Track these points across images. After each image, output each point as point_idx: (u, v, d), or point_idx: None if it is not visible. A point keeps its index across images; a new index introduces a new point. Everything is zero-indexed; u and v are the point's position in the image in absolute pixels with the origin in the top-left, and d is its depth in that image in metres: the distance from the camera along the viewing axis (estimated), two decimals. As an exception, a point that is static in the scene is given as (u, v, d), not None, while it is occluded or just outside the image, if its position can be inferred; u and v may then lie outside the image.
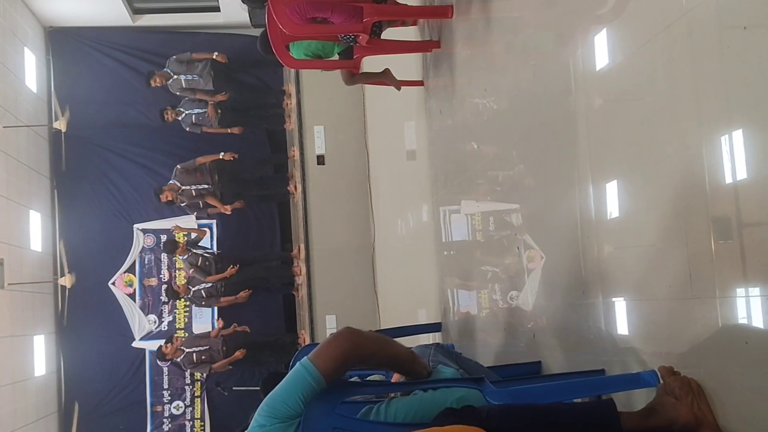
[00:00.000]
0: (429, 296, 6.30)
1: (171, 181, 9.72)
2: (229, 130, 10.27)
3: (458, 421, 1.83)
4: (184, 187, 9.72)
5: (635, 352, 2.70)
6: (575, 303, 3.26)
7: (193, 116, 10.14)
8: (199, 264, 9.76)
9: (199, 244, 10.17)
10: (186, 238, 10.10)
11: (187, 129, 10.24)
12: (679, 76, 2.37)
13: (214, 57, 10.02)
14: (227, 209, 10.00)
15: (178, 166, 9.80)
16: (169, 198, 9.65)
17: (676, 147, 2.41)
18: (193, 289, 9.79)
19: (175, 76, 10.02)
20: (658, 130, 2.51)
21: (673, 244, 2.43)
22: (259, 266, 10.29)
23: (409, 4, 5.60)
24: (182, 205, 9.99)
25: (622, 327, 2.85)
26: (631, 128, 2.70)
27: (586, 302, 3.12)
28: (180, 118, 10.13)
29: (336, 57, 5.69)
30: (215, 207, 10.02)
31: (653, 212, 2.57)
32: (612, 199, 2.87)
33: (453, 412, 1.97)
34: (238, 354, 9.56)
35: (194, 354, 9.54)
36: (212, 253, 10.11)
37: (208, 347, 9.58)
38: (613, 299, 2.90)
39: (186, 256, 9.81)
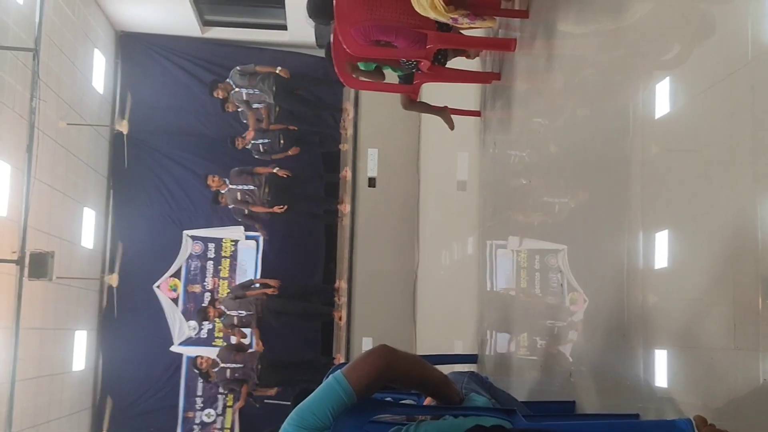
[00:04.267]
0: (467, 328, 6.27)
1: (224, 178, 10.00)
2: (289, 152, 10.44)
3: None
4: (230, 186, 9.91)
5: (672, 399, 2.65)
6: (615, 347, 3.22)
7: (260, 145, 10.36)
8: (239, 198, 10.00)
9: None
10: None
11: (256, 156, 10.47)
12: (738, 129, 2.34)
13: (278, 71, 10.17)
14: (276, 209, 10.12)
15: (236, 168, 10.00)
16: (214, 183, 9.92)
17: (729, 201, 2.38)
18: (226, 313, 9.87)
19: (237, 89, 10.21)
20: (713, 183, 2.48)
21: (719, 299, 2.40)
22: (302, 299, 10.34)
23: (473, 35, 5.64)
24: (230, 207, 10.15)
25: (661, 374, 2.81)
26: (686, 178, 2.68)
27: (626, 347, 3.08)
28: (240, 110, 10.34)
29: (397, 80, 5.76)
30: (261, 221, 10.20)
31: (702, 265, 2.54)
32: (661, 249, 2.84)
33: (483, 429, 1.95)
34: (271, 392, 9.61)
35: (228, 370, 9.60)
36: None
37: (242, 365, 9.62)
38: (654, 345, 2.86)
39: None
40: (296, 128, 10.56)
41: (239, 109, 10.41)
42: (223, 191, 10.00)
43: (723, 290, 2.38)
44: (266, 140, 10.40)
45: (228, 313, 9.78)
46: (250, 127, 10.33)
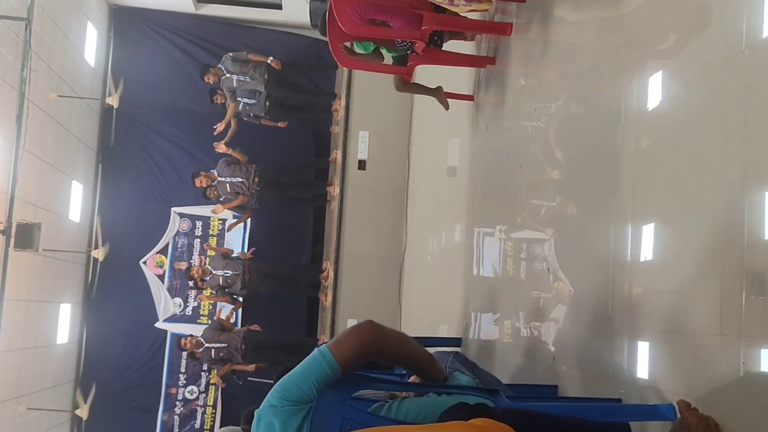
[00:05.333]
0: (452, 313, 6.28)
1: (212, 170, 9.90)
2: (279, 124, 10.40)
3: (471, 416, 1.83)
4: (219, 179, 9.86)
5: (655, 385, 2.67)
6: (599, 334, 3.24)
7: (242, 104, 10.26)
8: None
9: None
10: None
11: (245, 119, 10.41)
12: (730, 123, 2.35)
13: (269, 61, 10.09)
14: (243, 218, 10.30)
15: (223, 159, 9.96)
16: (203, 183, 9.81)
17: (718, 195, 2.38)
18: (213, 273, 9.92)
19: (228, 75, 10.11)
20: (703, 176, 2.49)
21: (704, 293, 2.41)
22: (289, 277, 10.37)
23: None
24: (221, 198, 10.10)
25: (645, 361, 2.82)
26: (677, 170, 2.68)
27: (611, 334, 3.10)
28: (238, 109, 10.29)
29: (390, 61, 5.74)
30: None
31: (688, 259, 2.55)
32: (649, 240, 2.85)
33: (467, 407, 1.96)
34: (251, 367, 9.66)
35: (212, 350, 9.62)
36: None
37: (226, 344, 9.64)
38: (639, 333, 2.88)
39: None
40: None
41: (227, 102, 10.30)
42: (213, 183, 9.94)
43: (709, 281, 2.39)
44: (252, 101, 10.31)
45: (214, 272, 9.80)
46: (227, 116, 10.22)
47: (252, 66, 10.07)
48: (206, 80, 10.07)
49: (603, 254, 3.22)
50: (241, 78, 10.10)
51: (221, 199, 10.10)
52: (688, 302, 2.53)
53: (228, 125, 10.19)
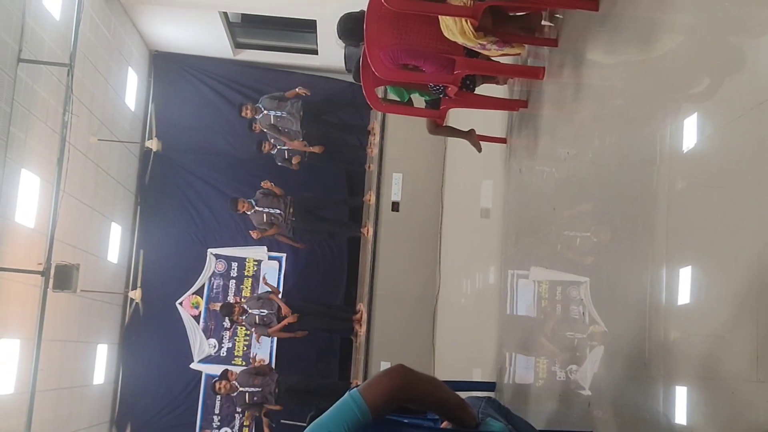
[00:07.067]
0: (486, 356, 6.23)
1: (250, 200, 10.08)
2: (310, 148, 10.58)
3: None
4: (257, 208, 10.00)
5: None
6: (635, 379, 3.20)
7: (285, 152, 10.48)
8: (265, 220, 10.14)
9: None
10: None
11: (279, 163, 10.60)
12: (766, 166, 2.33)
13: (298, 91, 10.33)
14: (296, 244, 10.40)
15: (261, 191, 10.15)
16: (245, 209, 9.99)
17: (754, 239, 2.36)
18: (249, 312, 9.95)
19: (265, 112, 10.33)
20: (739, 220, 2.47)
21: (740, 338, 2.38)
22: (321, 317, 10.40)
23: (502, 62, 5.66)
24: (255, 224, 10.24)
25: (681, 407, 2.78)
26: (712, 214, 2.66)
27: (647, 379, 3.05)
28: (273, 152, 10.49)
29: (423, 105, 5.79)
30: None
31: (724, 302, 2.52)
32: (685, 282, 2.82)
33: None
34: (278, 407, 9.72)
35: (247, 394, 9.62)
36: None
37: (260, 389, 9.64)
38: (675, 378, 2.84)
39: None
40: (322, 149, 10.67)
41: (274, 151, 10.56)
42: (249, 213, 10.09)
43: (745, 326, 2.36)
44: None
45: (250, 311, 9.87)
46: (284, 142, 10.48)
47: (290, 103, 10.31)
48: (243, 114, 10.35)
49: (639, 298, 3.19)
50: (278, 113, 10.32)
51: (254, 225, 10.23)
52: (724, 347, 2.49)
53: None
